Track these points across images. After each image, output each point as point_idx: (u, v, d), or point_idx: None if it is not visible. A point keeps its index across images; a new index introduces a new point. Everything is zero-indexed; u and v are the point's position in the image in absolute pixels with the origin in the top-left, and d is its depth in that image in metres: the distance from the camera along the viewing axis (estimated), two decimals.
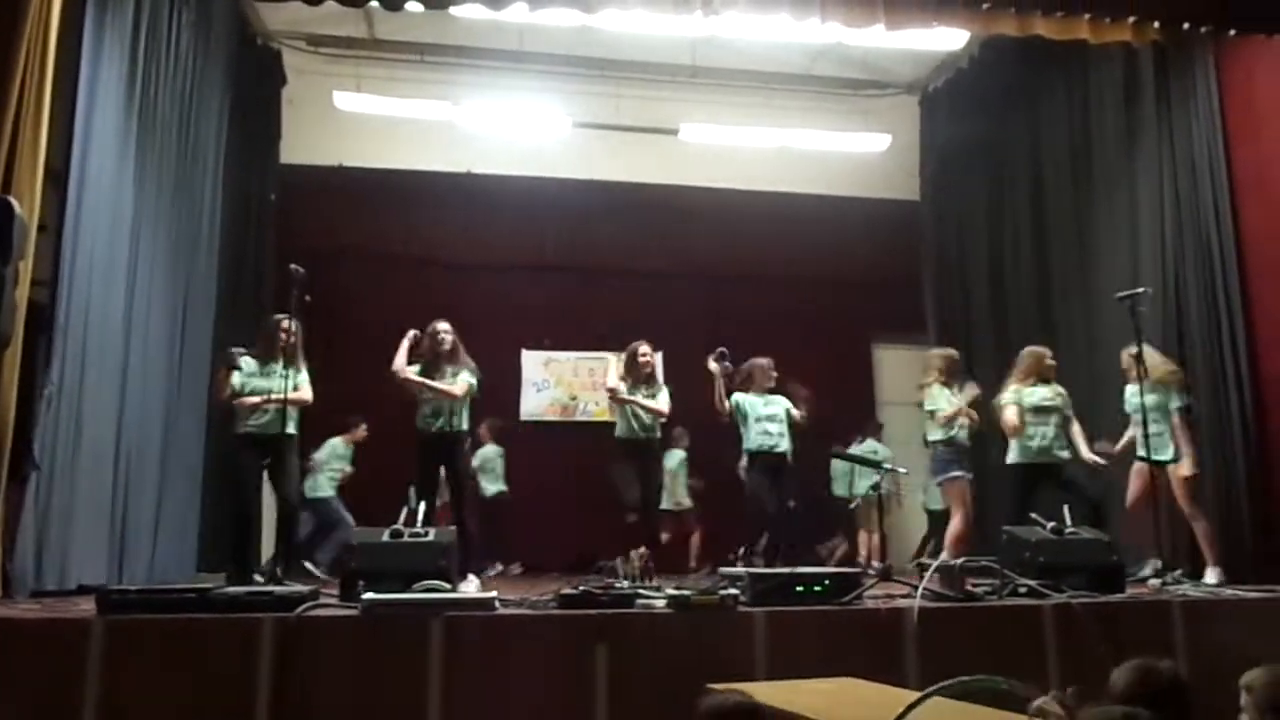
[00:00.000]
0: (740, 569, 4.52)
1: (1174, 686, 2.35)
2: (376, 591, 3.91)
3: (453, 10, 6.49)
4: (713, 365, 6.58)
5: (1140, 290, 5.94)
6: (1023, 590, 4.53)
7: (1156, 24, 6.52)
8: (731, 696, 2.40)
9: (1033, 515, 5.25)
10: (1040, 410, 6.14)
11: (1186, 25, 6.43)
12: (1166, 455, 6.00)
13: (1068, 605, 4.26)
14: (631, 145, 10.31)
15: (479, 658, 3.74)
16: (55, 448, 4.91)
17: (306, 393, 5.86)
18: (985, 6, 6.26)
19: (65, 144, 5.01)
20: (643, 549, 6.20)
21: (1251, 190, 6.62)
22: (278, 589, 4.05)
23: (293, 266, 5.50)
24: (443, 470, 6.03)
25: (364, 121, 9.57)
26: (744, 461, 6.90)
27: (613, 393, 6.58)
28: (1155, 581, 5.26)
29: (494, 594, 4.18)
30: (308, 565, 7.63)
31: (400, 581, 4.03)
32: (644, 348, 6.64)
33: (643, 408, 6.49)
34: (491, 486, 9.12)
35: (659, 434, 6.64)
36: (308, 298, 5.55)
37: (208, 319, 7.47)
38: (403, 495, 5.84)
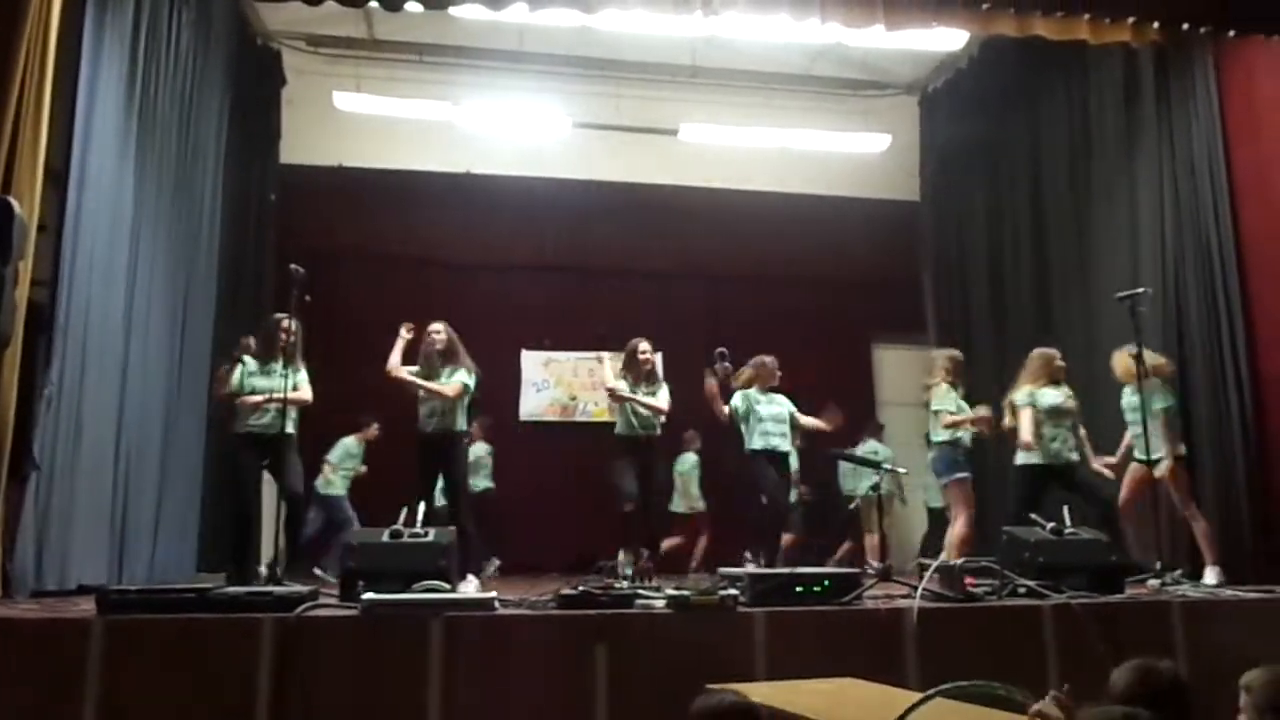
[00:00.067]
0: (739, 569, 4.52)
1: (1174, 686, 2.35)
2: (376, 591, 3.91)
3: (452, 10, 6.49)
4: (710, 382, 6.58)
5: (1140, 290, 5.93)
6: (1022, 590, 4.53)
7: (1156, 24, 6.52)
8: (727, 697, 2.41)
9: (1032, 515, 5.24)
10: (1054, 412, 6.12)
11: (1186, 26, 6.43)
12: (1159, 455, 6.00)
13: (1067, 605, 4.25)
14: (631, 145, 10.31)
15: (479, 658, 3.74)
16: (55, 448, 4.91)
17: (306, 392, 5.88)
18: (985, 7, 6.26)
19: (65, 144, 5.01)
20: (644, 549, 6.21)
21: (1251, 191, 6.62)
22: (277, 589, 4.05)
23: (292, 266, 5.50)
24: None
25: (363, 122, 9.58)
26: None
27: (612, 392, 6.58)
28: (1155, 582, 5.26)
29: (494, 594, 4.18)
30: (317, 571, 7.64)
31: (400, 581, 4.02)
32: (643, 344, 6.65)
33: (643, 405, 6.50)
34: (479, 484, 9.13)
35: (659, 432, 6.64)
36: (307, 298, 5.55)
37: (208, 319, 7.47)
38: (403, 497, 5.84)
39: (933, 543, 8.71)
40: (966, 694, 2.22)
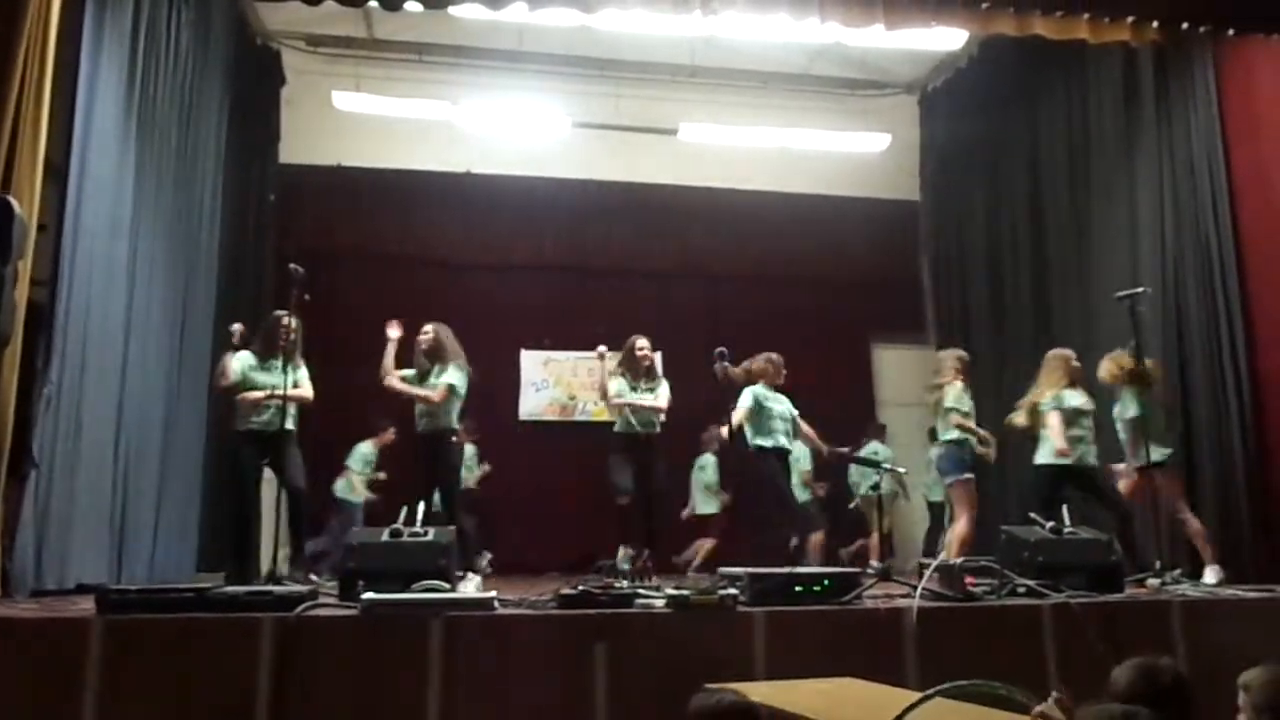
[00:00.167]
0: (740, 569, 4.51)
1: (1176, 685, 2.35)
2: (376, 591, 3.91)
3: (452, 10, 6.50)
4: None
5: (1139, 290, 5.94)
6: (1022, 590, 4.53)
7: (1155, 24, 6.51)
8: (726, 696, 2.40)
9: (1031, 515, 5.24)
10: (1077, 414, 6.10)
11: (1185, 25, 6.43)
12: (1156, 456, 5.98)
13: (1067, 605, 4.25)
14: (631, 145, 10.31)
15: (479, 657, 3.74)
16: (55, 447, 4.91)
17: (307, 390, 5.91)
18: (984, 6, 6.26)
19: (65, 143, 5.01)
20: (644, 548, 6.21)
21: (1250, 190, 6.62)
22: (277, 589, 4.05)
23: (292, 266, 5.51)
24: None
25: (363, 121, 9.57)
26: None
27: (609, 399, 6.59)
28: (1155, 581, 5.26)
29: (493, 594, 4.18)
30: (313, 577, 7.63)
31: (400, 581, 4.02)
32: (641, 340, 6.66)
33: (641, 408, 6.50)
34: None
35: (658, 429, 6.64)
36: (307, 297, 5.56)
37: (208, 319, 7.47)
38: (402, 496, 5.85)
39: (934, 539, 8.73)
40: (966, 694, 2.22)
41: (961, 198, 10.07)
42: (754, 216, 10.44)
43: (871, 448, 9.32)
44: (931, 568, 4.58)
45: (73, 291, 5.08)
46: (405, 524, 4.56)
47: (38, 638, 3.60)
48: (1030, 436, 6.29)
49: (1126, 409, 6.10)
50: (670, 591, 4.21)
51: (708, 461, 9.05)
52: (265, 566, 5.42)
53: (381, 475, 8.58)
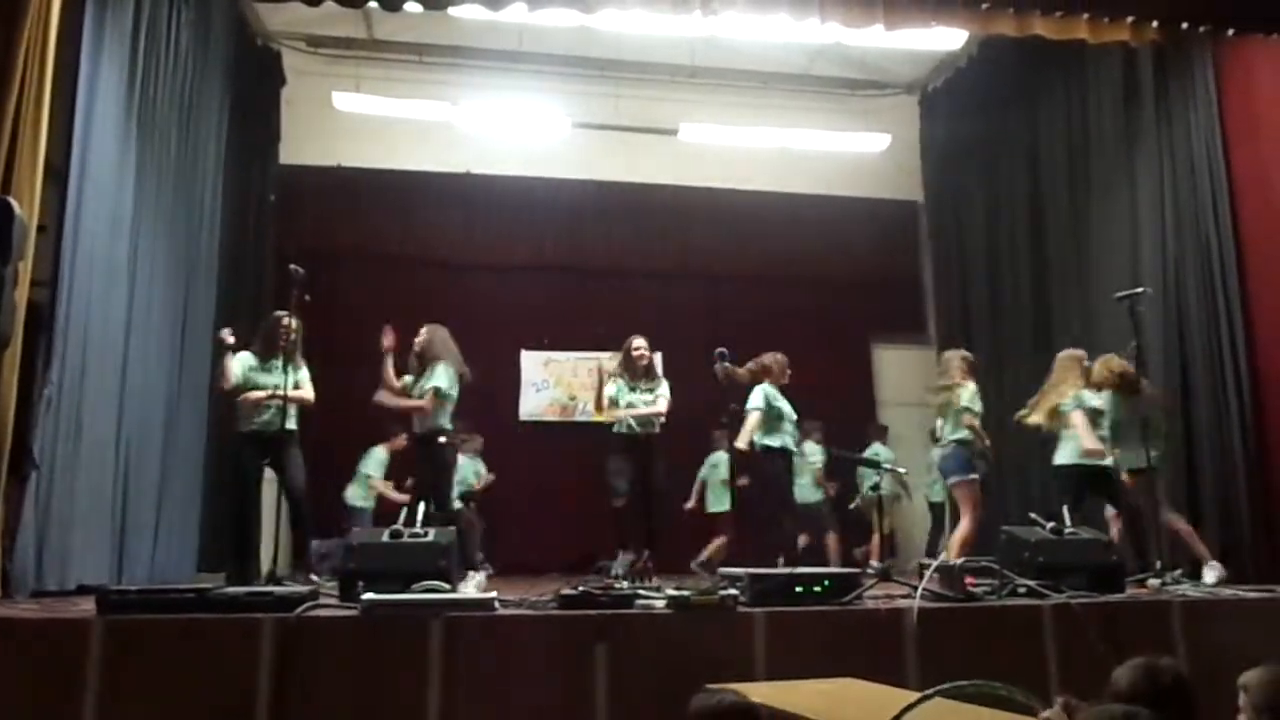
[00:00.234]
0: (740, 569, 4.51)
1: (1178, 685, 2.35)
2: (376, 592, 3.91)
3: (451, 11, 6.50)
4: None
5: (1139, 290, 5.94)
6: (1022, 590, 4.52)
7: (1155, 24, 6.51)
8: (727, 696, 2.40)
9: (1031, 515, 5.24)
10: (1095, 414, 6.10)
11: (1185, 25, 6.43)
12: (1128, 464, 5.98)
13: (1067, 605, 4.25)
14: (631, 145, 10.31)
15: (479, 658, 3.74)
16: (55, 448, 4.91)
17: (308, 391, 5.91)
18: (984, 6, 6.26)
19: (65, 144, 5.01)
20: (644, 549, 6.20)
21: (1250, 190, 6.62)
22: (278, 589, 4.05)
23: (292, 266, 5.51)
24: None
25: (363, 122, 9.57)
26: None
27: (605, 409, 6.60)
28: (1155, 581, 5.26)
29: (494, 594, 4.18)
30: (314, 577, 7.63)
31: (400, 581, 4.02)
32: (638, 341, 6.66)
33: (639, 416, 6.51)
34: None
35: (657, 430, 6.64)
36: (307, 297, 5.56)
37: (208, 319, 7.46)
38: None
39: (936, 539, 8.72)
40: (966, 694, 2.21)
41: (961, 198, 10.07)
42: (754, 216, 10.44)
43: (873, 449, 9.32)
44: (932, 568, 4.58)
45: (73, 292, 5.08)
46: (405, 524, 4.56)
47: (38, 638, 3.60)
48: (1050, 436, 6.27)
49: (1108, 413, 6.11)
50: (671, 592, 4.21)
51: (720, 459, 9.03)
52: (266, 567, 5.41)
53: (387, 482, 8.53)
